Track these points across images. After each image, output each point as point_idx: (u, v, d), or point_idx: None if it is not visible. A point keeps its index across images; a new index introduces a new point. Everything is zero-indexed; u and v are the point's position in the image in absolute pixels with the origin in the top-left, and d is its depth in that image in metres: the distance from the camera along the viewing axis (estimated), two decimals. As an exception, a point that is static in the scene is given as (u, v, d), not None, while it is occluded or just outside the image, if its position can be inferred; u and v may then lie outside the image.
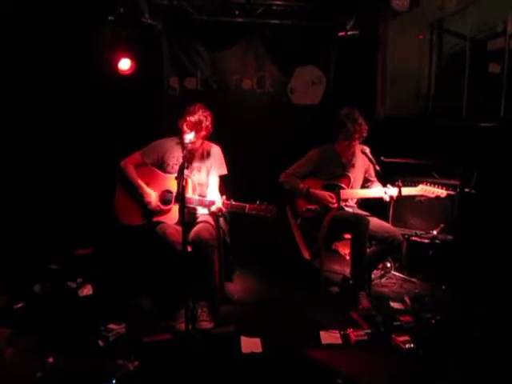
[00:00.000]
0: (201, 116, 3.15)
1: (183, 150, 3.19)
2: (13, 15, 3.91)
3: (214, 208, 3.03)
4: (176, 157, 3.26)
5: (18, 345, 2.70)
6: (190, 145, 3.03)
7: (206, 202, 3.09)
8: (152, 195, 3.17)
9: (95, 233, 4.01)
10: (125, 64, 4.26)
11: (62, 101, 4.23)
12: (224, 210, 3.02)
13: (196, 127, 3.13)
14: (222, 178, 3.38)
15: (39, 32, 4.04)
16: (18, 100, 4.04)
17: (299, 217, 3.53)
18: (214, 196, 3.19)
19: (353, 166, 3.56)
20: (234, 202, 2.98)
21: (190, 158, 3.19)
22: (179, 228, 3.01)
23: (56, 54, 4.14)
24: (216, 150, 3.36)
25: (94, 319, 3.01)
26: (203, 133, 3.20)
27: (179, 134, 3.24)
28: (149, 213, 3.19)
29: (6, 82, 3.95)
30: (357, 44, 4.77)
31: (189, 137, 3.09)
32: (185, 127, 3.16)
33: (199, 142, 3.26)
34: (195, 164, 3.28)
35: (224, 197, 3.08)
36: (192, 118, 3.13)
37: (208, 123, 3.19)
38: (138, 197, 3.19)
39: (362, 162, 3.58)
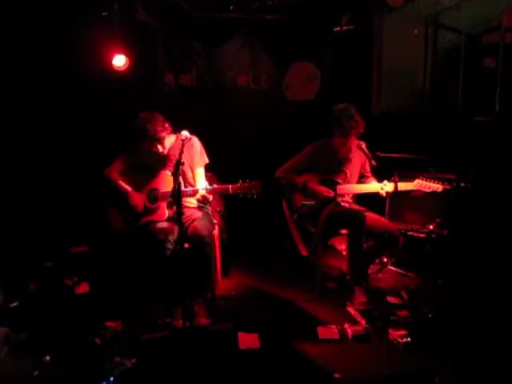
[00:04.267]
0: (151, 132, 3.04)
1: (160, 151, 3.16)
2: (4, 14, 3.87)
3: (198, 196, 3.02)
4: (155, 157, 3.22)
5: (14, 343, 2.69)
6: (185, 140, 3.03)
7: (189, 193, 3.08)
8: (137, 197, 3.17)
9: (91, 230, 3.99)
10: (119, 61, 4.22)
11: (56, 99, 4.20)
12: (208, 196, 3.00)
13: (155, 142, 3.09)
14: (211, 170, 3.37)
15: (30, 30, 4.00)
16: (14, 99, 4.01)
17: (296, 212, 3.53)
18: (202, 186, 3.16)
19: (349, 161, 3.56)
20: (216, 186, 2.99)
21: (181, 153, 3.17)
22: (169, 225, 3.01)
23: (48, 51, 4.10)
24: (193, 142, 3.27)
25: (90, 317, 3.01)
26: (165, 134, 3.12)
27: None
28: (138, 215, 3.18)
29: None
30: (352, 39, 4.75)
31: (184, 132, 3.09)
32: (150, 149, 3.12)
33: (173, 136, 3.23)
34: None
35: (206, 183, 3.07)
36: (146, 144, 3.09)
37: (158, 127, 3.07)
38: (125, 201, 3.18)
39: (359, 157, 3.58)
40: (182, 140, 3.04)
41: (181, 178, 3.15)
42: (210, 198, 3.02)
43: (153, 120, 3.08)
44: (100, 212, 3.31)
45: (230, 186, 2.93)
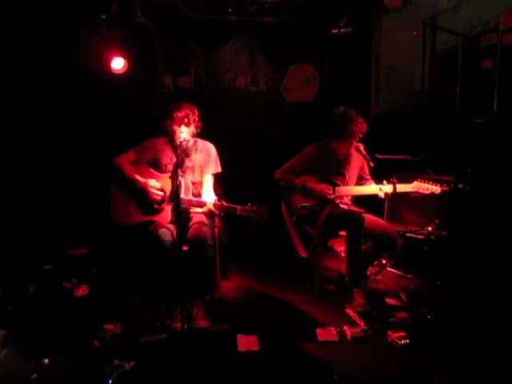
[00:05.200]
0: (187, 110, 3.13)
1: (175, 149, 3.18)
2: (4, 15, 3.88)
3: (205, 209, 3.02)
4: (169, 156, 3.25)
5: (13, 346, 2.69)
6: (184, 142, 3.04)
7: (196, 203, 3.08)
8: (150, 181, 3.14)
9: (89, 233, 3.99)
10: (118, 63, 4.23)
11: (53, 101, 4.20)
12: (215, 211, 3.01)
13: (184, 121, 3.11)
14: (216, 175, 3.37)
15: (30, 32, 4.01)
16: (10, 102, 4.01)
17: (294, 214, 3.53)
18: (208, 195, 3.18)
19: (348, 163, 3.56)
20: (224, 203, 2.98)
21: (183, 157, 3.18)
22: (172, 227, 3.01)
23: (48, 53, 4.11)
24: (210, 148, 3.35)
25: (89, 319, 3.01)
26: (192, 128, 3.17)
27: (169, 134, 3.23)
28: (141, 211, 3.17)
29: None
30: (350, 41, 4.76)
31: (183, 135, 3.10)
32: (173, 125, 3.15)
33: (192, 140, 3.25)
34: (189, 163, 3.26)
35: (216, 198, 3.08)
36: (179, 113, 3.11)
37: (195, 117, 3.17)
38: (136, 190, 3.16)
39: (357, 159, 3.59)
40: (181, 142, 3.06)
41: (190, 183, 3.18)
42: (217, 212, 3.03)
43: (192, 106, 3.18)
44: (100, 207, 3.30)
45: (239, 207, 2.92)
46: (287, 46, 4.79)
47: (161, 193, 3.14)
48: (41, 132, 4.14)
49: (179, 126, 3.12)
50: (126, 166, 3.23)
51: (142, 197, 3.16)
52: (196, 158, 3.30)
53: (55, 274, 3.59)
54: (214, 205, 2.99)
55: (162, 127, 3.23)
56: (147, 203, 3.16)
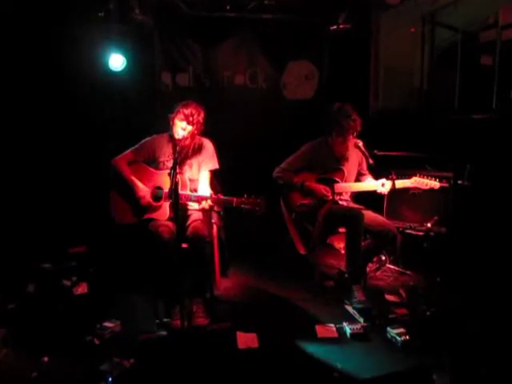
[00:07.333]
0: (193, 109, 3.14)
1: (174, 147, 3.18)
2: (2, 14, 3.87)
3: (204, 204, 3.02)
4: (167, 153, 3.25)
5: (12, 345, 2.69)
6: (181, 140, 3.04)
7: (194, 198, 3.08)
8: (144, 190, 3.16)
9: (89, 231, 3.99)
10: (116, 61, 4.22)
11: (52, 100, 4.19)
12: (212, 205, 3.01)
13: (188, 119, 3.11)
14: (214, 172, 3.37)
15: (26, 30, 3.99)
16: (8, 101, 4.00)
17: (294, 211, 3.53)
18: (205, 191, 3.18)
19: (346, 159, 3.56)
20: (221, 197, 2.98)
21: (181, 154, 3.17)
22: (170, 224, 3.01)
23: (45, 52, 4.09)
24: (207, 144, 3.34)
25: (89, 317, 3.01)
26: (194, 128, 3.17)
27: (170, 130, 3.23)
28: (140, 210, 3.18)
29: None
30: (349, 38, 4.75)
31: (181, 131, 3.09)
32: (176, 120, 3.15)
33: (189, 138, 3.25)
34: (187, 160, 3.26)
35: (211, 192, 3.08)
36: (185, 110, 3.12)
37: (200, 118, 3.17)
38: (131, 192, 3.17)
39: (356, 155, 3.59)
40: (179, 140, 3.06)
41: (187, 180, 3.18)
42: (214, 207, 3.03)
43: (199, 108, 3.18)
44: (100, 205, 3.31)
45: (235, 199, 2.92)
46: (286, 43, 4.77)
47: (147, 198, 3.15)
48: (39, 131, 4.13)
49: (181, 121, 3.12)
50: (123, 166, 3.24)
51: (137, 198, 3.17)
52: (194, 155, 3.30)
53: (55, 273, 3.59)
54: (211, 199, 2.99)
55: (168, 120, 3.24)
56: (141, 205, 3.16)
